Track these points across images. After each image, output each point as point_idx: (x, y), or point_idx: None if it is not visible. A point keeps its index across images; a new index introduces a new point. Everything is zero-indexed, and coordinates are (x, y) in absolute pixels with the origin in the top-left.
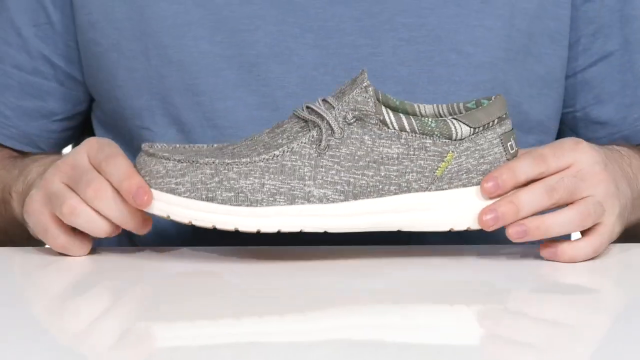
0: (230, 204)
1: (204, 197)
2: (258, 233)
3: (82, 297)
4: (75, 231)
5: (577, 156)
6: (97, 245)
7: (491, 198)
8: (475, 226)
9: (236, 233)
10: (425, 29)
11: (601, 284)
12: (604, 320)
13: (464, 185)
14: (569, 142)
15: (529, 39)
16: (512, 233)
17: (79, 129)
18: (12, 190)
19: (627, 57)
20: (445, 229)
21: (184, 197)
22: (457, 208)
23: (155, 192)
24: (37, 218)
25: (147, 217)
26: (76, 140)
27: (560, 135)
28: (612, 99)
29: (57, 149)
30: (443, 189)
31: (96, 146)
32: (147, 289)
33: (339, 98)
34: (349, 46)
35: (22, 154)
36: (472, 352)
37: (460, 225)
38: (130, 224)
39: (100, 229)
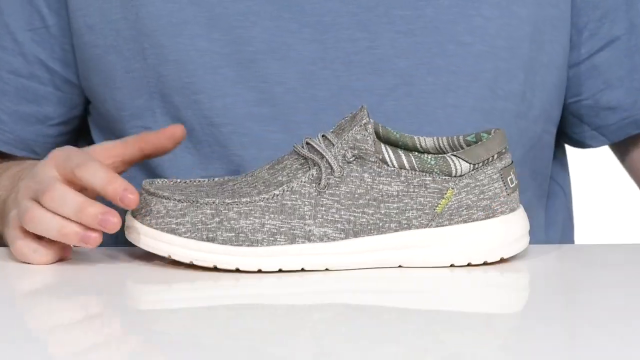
0: (231, 244)
1: (204, 237)
2: (259, 272)
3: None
4: (40, 240)
5: None
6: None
7: None
8: (476, 262)
9: None
10: (423, 21)
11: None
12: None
13: (465, 221)
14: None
15: (532, 26)
16: None
17: (75, 133)
18: None
19: (634, 41)
20: (446, 264)
21: (184, 237)
22: (457, 244)
23: (156, 232)
24: (12, 237)
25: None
26: (73, 144)
27: (564, 124)
28: (621, 83)
29: None
30: (443, 225)
31: (62, 156)
32: (144, 261)
33: (338, 135)
34: (347, 40)
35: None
36: (471, 317)
37: (460, 261)
38: (85, 219)
39: (53, 228)
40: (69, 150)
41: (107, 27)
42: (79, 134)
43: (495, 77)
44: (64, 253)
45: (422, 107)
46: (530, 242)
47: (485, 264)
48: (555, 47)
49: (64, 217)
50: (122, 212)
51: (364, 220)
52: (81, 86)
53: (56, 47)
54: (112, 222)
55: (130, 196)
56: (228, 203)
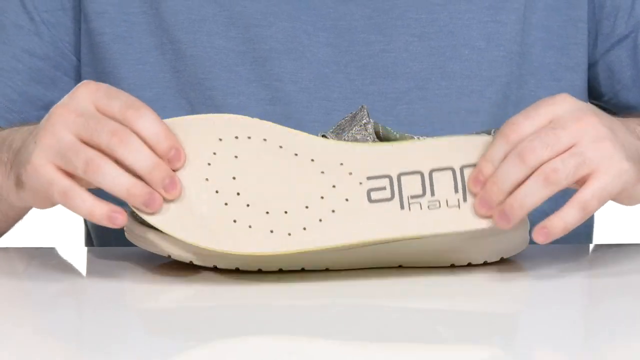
0: None
1: None
2: (259, 272)
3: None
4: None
5: (556, 108)
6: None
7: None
8: (476, 262)
9: None
10: (437, 25)
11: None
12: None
13: None
14: (545, 98)
15: (544, 32)
16: (496, 220)
17: None
18: None
19: None
20: (447, 264)
21: None
22: (457, 244)
23: (156, 233)
24: (50, 179)
25: (172, 175)
26: None
27: None
28: (634, 82)
29: None
30: None
31: (102, 92)
32: (144, 261)
33: (338, 134)
34: (361, 43)
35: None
36: (471, 317)
37: (461, 261)
38: (156, 178)
39: (122, 185)
40: (107, 87)
41: (120, 17)
42: None
43: (508, 82)
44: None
45: (436, 111)
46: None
47: (485, 264)
48: (580, 49)
49: (131, 172)
50: None
51: None
52: (81, 73)
53: (70, 31)
54: (174, 192)
55: (179, 159)
56: None
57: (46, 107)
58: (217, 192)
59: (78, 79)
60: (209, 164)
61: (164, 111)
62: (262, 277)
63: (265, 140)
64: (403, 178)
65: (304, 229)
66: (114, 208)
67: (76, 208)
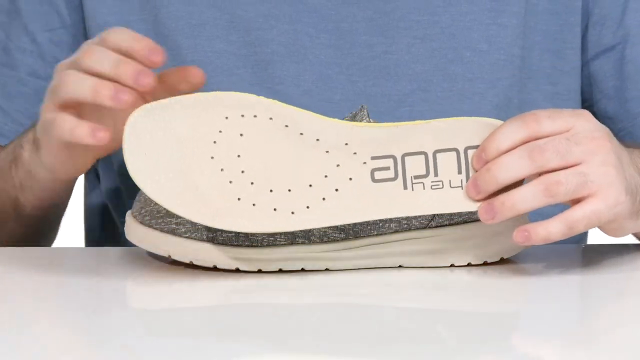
0: (231, 244)
1: (204, 237)
2: (259, 272)
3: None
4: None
5: (577, 121)
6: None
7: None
8: (476, 262)
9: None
10: (439, 27)
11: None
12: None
13: (465, 222)
14: (570, 109)
15: (541, 35)
16: (480, 213)
17: None
18: (23, 141)
19: (628, 50)
20: (446, 264)
21: (184, 237)
22: (457, 244)
23: (156, 232)
24: (44, 119)
25: (142, 68)
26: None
27: None
28: (615, 93)
29: None
30: (443, 225)
31: (97, 37)
32: (144, 261)
33: None
34: (363, 45)
35: None
36: (471, 317)
37: (460, 261)
38: (123, 72)
39: (87, 85)
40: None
41: (122, 27)
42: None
43: (510, 85)
44: (103, 137)
45: (438, 113)
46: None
47: (485, 264)
48: (576, 53)
49: (100, 75)
50: (123, 213)
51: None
52: None
53: (74, 48)
54: (147, 81)
55: (158, 54)
56: None
57: None
58: (222, 170)
59: None
60: (215, 142)
61: None
62: (262, 277)
63: (271, 119)
64: (407, 158)
65: (307, 207)
66: (95, 126)
67: (61, 130)
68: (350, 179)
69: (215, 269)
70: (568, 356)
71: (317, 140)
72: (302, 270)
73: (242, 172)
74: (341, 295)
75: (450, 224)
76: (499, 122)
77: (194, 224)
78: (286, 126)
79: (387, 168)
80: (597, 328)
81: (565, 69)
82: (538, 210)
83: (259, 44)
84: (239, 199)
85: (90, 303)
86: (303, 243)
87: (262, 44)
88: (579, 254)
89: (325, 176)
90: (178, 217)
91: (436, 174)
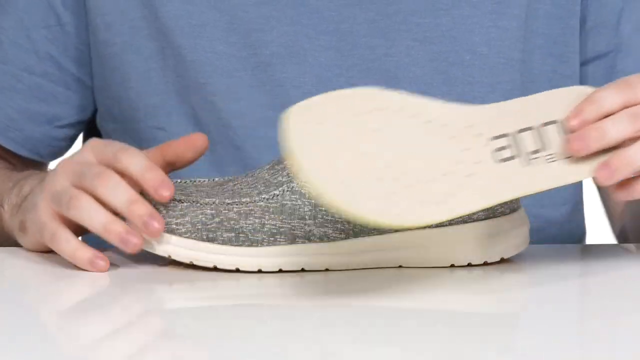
0: (231, 244)
1: (204, 237)
2: (259, 272)
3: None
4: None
5: None
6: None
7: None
8: (476, 262)
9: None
10: (440, 30)
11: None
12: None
13: (464, 222)
14: None
15: (543, 39)
16: (599, 177)
17: (74, 140)
18: (4, 202)
19: (620, 60)
20: (446, 264)
21: (184, 237)
22: (457, 244)
23: None
24: (43, 222)
25: (153, 212)
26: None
27: None
28: None
29: (53, 158)
30: (444, 225)
31: (102, 144)
32: (144, 261)
33: None
34: (364, 47)
35: (19, 165)
36: (471, 317)
37: (461, 261)
38: (134, 213)
39: (99, 220)
40: (107, 141)
41: (125, 25)
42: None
43: (511, 89)
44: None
45: None
46: (541, 219)
47: (485, 264)
48: (577, 57)
49: (111, 209)
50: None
51: None
52: (93, 87)
53: (70, 46)
54: (155, 227)
55: (167, 190)
56: (228, 203)
57: (49, 122)
58: (370, 167)
59: (82, 91)
60: (361, 139)
61: (169, 117)
62: (262, 277)
63: (399, 110)
64: (521, 135)
65: (448, 196)
66: (97, 253)
67: (61, 250)
68: (479, 162)
69: (215, 269)
70: (568, 356)
71: (444, 125)
72: (302, 270)
73: (386, 167)
74: (341, 295)
75: (450, 224)
76: (591, 88)
77: (194, 224)
78: (413, 116)
79: (508, 146)
80: (597, 328)
81: (566, 73)
82: (534, 212)
83: (259, 45)
84: (388, 195)
85: (89, 303)
86: (303, 243)
87: (262, 45)
88: (579, 254)
89: (457, 162)
90: (178, 217)
91: (548, 147)
